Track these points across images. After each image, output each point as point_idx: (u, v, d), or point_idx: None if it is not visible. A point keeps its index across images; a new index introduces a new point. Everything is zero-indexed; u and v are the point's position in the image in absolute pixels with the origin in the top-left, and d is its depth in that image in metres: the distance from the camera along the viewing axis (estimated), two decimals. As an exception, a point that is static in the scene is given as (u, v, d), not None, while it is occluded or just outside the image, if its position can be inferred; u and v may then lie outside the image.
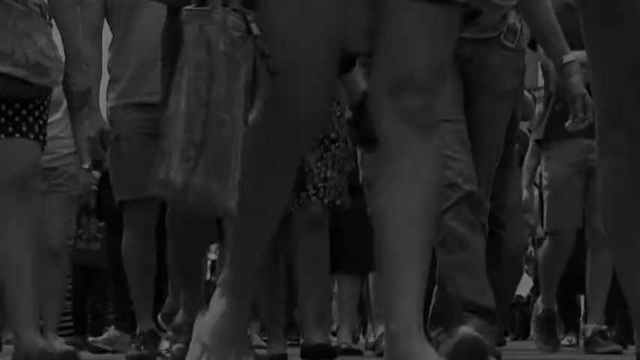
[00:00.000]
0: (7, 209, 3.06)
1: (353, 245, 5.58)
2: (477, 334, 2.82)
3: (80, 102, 3.84)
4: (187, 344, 2.92)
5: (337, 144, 4.11)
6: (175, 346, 3.10)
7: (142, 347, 4.31)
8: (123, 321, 6.48)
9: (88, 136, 4.03)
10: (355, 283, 6.00)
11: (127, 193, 4.35)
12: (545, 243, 5.07)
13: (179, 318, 3.26)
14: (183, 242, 3.27)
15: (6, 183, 3.06)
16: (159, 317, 4.52)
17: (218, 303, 1.91)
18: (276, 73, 2.15)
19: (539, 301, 5.29)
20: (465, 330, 2.82)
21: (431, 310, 3.49)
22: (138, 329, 4.45)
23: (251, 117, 1.93)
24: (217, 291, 1.92)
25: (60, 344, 5.04)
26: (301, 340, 4.08)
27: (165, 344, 3.24)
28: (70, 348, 3.05)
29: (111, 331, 6.49)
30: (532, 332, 5.56)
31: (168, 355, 3.05)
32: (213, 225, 3.56)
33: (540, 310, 5.22)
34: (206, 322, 1.87)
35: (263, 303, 4.03)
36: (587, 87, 4.50)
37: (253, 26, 2.09)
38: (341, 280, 5.73)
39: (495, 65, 3.09)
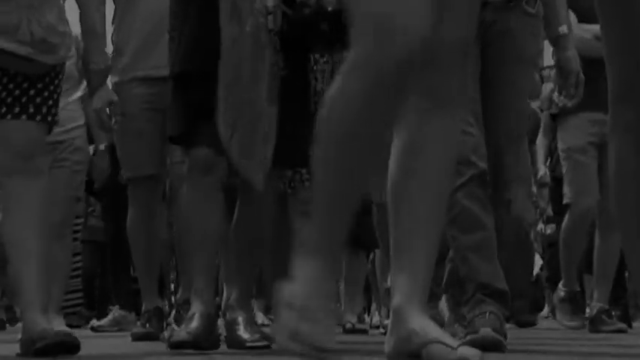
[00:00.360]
0: (13, 190, 3.01)
1: (355, 224, 5.57)
2: (498, 336, 2.85)
3: (99, 81, 3.82)
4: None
5: None
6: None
7: (147, 325, 4.31)
8: (126, 300, 6.48)
9: (94, 107, 3.95)
10: (361, 262, 6.00)
11: (131, 171, 4.32)
12: (566, 219, 5.05)
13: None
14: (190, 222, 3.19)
15: (11, 164, 3.00)
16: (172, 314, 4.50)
17: (306, 268, 1.86)
18: (284, 69, 2.16)
19: (560, 285, 5.28)
20: (486, 332, 2.84)
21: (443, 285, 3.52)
22: (143, 307, 4.43)
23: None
24: (299, 257, 1.89)
25: (59, 324, 5.03)
26: None
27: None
28: (70, 332, 3.00)
29: (115, 312, 6.49)
30: (557, 315, 5.51)
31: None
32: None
33: (563, 293, 5.21)
34: (297, 289, 1.83)
35: (268, 281, 4.03)
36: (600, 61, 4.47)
37: (270, 18, 2.09)
38: (346, 260, 5.71)
39: (517, 31, 3.06)
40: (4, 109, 3.00)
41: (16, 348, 2.96)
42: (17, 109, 3.00)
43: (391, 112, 1.80)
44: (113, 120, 4.04)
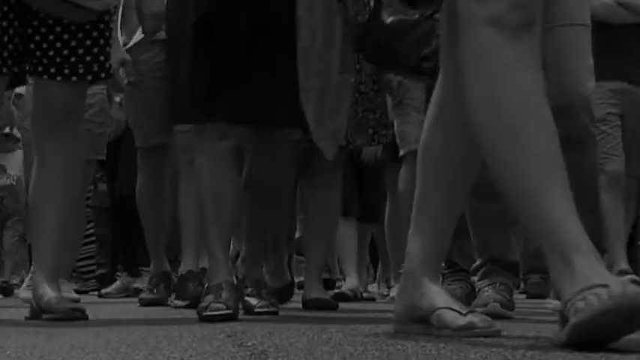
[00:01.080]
0: (45, 154, 2.96)
1: (365, 192, 5.53)
2: (505, 312, 2.86)
3: (153, 26, 3.79)
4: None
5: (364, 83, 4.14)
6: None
7: (155, 290, 4.29)
8: (131, 266, 6.48)
9: None
10: (365, 229, 5.97)
11: (141, 140, 4.31)
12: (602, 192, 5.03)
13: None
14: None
15: (48, 127, 2.94)
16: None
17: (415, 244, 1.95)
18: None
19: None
20: (494, 307, 2.85)
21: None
22: (151, 271, 4.44)
23: None
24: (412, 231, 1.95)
25: (68, 290, 5.03)
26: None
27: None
28: (78, 305, 2.99)
29: (123, 278, 6.50)
30: None
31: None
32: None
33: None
34: (416, 257, 1.94)
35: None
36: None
37: None
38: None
39: None
40: (43, 67, 2.89)
41: (20, 314, 2.97)
42: (56, 68, 2.89)
43: None
44: (126, 80, 4.02)
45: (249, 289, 3.14)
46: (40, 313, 2.88)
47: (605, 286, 1.54)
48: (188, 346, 1.82)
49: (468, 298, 3.21)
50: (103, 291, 6.36)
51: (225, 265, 2.92)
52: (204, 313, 2.73)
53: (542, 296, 6.12)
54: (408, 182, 4.53)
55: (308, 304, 3.82)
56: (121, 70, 4.11)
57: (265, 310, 3.02)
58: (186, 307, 3.72)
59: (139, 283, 6.20)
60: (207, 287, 2.90)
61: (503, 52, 1.69)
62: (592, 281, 1.57)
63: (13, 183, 8.62)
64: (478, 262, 3.08)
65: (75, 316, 2.82)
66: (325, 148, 2.95)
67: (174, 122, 3.98)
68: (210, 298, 2.79)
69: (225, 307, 2.73)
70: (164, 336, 2.09)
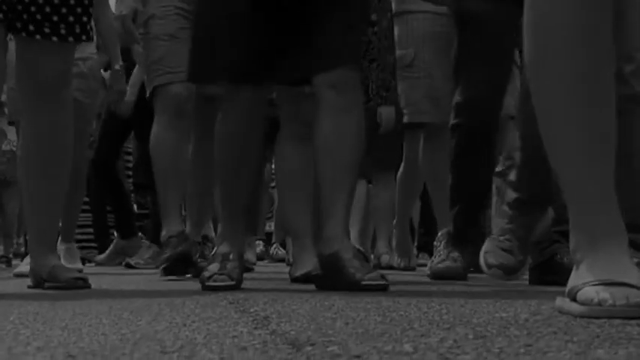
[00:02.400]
0: (34, 122, 2.87)
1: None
2: None
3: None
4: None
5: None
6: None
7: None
8: (127, 229, 6.43)
9: (119, 14, 3.78)
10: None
11: (160, 77, 3.93)
12: None
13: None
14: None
15: (32, 92, 2.83)
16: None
17: None
18: None
19: None
20: None
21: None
22: (163, 234, 4.01)
23: None
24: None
25: (74, 255, 5.02)
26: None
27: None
28: (81, 274, 2.99)
29: (117, 243, 6.49)
30: None
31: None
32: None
33: None
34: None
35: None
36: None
37: None
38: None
39: None
40: (22, 23, 2.72)
41: (21, 284, 2.98)
42: (47, 30, 2.73)
43: None
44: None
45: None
46: (42, 282, 2.89)
47: (620, 284, 1.52)
48: (190, 312, 1.82)
49: None
50: (98, 258, 6.36)
51: (236, 233, 2.87)
52: (207, 283, 2.72)
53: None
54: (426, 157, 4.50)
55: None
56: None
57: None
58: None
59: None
60: (215, 254, 2.87)
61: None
62: (608, 275, 1.54)
63: (14, 148, 8.55)
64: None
65: (78, 285, 2.83)
66: None
67: (199, 81, 3.45)
68: (214, 267, 2.77)
69: (229, 278, 2.72)
70: (166, 303, 2.10)
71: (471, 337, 1.27)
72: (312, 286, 2.73)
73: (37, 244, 2.99)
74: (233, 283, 2.71)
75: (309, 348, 1.16)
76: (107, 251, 6.57)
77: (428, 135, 4.52)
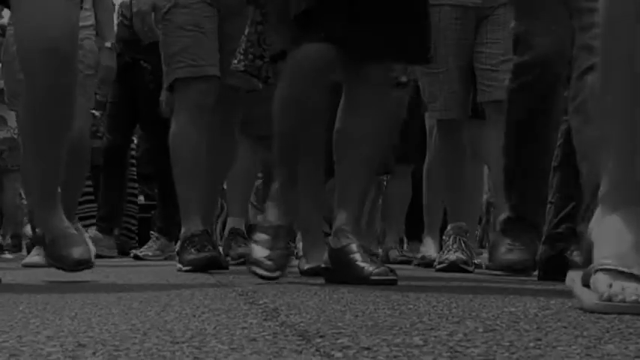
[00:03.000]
0: (36, 85, 2.56)
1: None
2: None
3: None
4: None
5: None
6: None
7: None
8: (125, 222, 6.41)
9: (138, 10, 3.72)
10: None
11: (181, 70, 3.79)
12: None
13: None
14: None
15: (38, 50, 2.50)
16: None
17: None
18: None
19: None
20: None
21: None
22: (185, 230, 3.83)
23: None
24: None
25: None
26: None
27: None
28: (86, 256, 2.88)
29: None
30: None
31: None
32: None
33: None
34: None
35: None
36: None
37: None
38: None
39: None
40: None
41: (29, 275, 2.97)
42: None
43: None
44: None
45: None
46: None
47: (631, 276, 1.52)
48: (200, 303, 1.82)
49: None
50: (142, 253, 6.34)
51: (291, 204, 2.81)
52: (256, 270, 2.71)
53: None
54: (439, 151, 4.42)
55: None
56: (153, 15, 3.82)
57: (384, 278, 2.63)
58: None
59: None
60: (266, 227, 2.77)
61: None
62: (621, 261, 1.55)
63: (14, 136, 8.49)
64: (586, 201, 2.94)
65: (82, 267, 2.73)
66: None
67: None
68: (261, 252, 2.72)
69: (274, 266, 2.69)
70: (176, 294, 2.10)
71: (480, 330, 1.27)
72: (321, 280, 2.73)
73: (37, 210, 2.86)
74: (277, 274, 2.69)
75: (319, 340, 1.16)
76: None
77: (449, 129, 4.40)
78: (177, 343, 1.14)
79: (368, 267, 2.53)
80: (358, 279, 2.51)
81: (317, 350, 1.07)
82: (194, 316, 1.53)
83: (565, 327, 1.30)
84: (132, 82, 6.48)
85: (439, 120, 4.35)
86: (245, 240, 4.45)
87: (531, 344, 1.11)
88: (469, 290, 2.31)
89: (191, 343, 1.14)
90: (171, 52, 3.84)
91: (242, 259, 4.14)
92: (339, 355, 1.03)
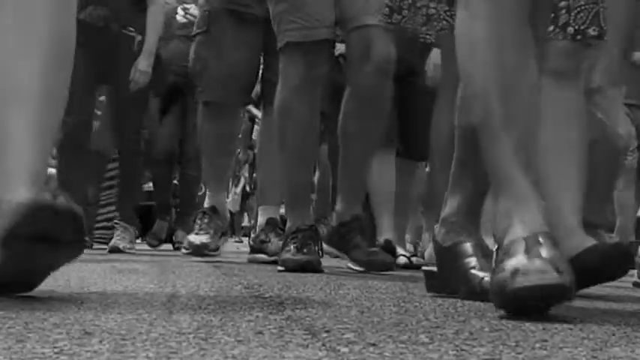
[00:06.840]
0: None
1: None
2: None
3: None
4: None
5: None
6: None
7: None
8: (129, 213, 6.35)
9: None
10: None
11: (293, 33, 3.28)
12: None
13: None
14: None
15: None
16: None
17: None
18: None
19: None
20: None
21: None
22: (290, 225, 3.38)
23: None
24: None
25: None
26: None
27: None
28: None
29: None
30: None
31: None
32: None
33: None
34: None
35: None
36: None
37: None
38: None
39: None
40: None
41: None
42: None
43: None
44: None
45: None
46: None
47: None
48: (205, 295, 1.82)
49: None
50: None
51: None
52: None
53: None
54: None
55: None
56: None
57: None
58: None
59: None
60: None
61: None
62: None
63: None
64: None
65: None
66: None
67: None
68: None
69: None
70: (182, 285, 2.10)
71: (486, 329, 1.27)
72: (326, 274, 2.74)
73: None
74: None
75: (325, 334, 1.16)
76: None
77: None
78: (184, 333, 1.14)
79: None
80: (472, 294, 1.87)
81: (323, 345, 1.07)
82: (200, 307, 1.53)
83: (571, 329, 1.30)
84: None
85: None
86: (282, 232, 3.88)
87: (537, 345, 1.11)
88: (475, 289, 2.30)
89: (197, 334, 1.14)
90: (277, 11, 3.32)
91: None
92: (345, 350, 1.03)
